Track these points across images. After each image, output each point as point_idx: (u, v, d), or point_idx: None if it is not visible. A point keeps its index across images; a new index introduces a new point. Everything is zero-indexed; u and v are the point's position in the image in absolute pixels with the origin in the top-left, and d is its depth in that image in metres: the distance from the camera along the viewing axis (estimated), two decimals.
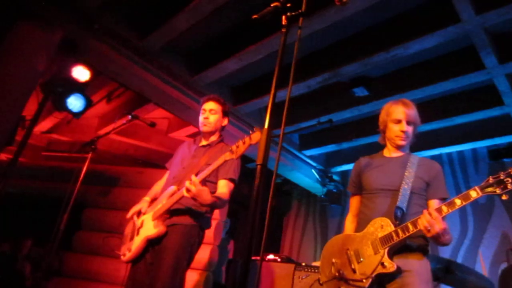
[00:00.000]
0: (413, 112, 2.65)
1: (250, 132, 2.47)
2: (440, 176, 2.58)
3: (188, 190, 2.64)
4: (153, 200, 3.21)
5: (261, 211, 1.55)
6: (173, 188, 2.94)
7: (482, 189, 2.11)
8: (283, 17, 1.81)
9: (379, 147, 2.88)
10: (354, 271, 2.37)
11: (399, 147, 2.70)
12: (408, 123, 2.63)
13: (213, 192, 2.93)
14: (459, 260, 6.02)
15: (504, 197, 2.05)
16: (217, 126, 3.28)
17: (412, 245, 2.37)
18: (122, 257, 3.03)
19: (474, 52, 4.33)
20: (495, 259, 5.88)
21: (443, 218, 2.18)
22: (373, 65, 4.74)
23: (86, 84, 4.63)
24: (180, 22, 4.31)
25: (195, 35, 4.79)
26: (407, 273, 2.27)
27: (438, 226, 2.14)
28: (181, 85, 5.33)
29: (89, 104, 4.72)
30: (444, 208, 2.17)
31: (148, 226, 2.94)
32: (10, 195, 5.12)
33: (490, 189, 2.09)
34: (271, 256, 4.95)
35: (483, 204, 6.24)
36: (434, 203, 2.48)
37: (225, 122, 3.36)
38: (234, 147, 2.56)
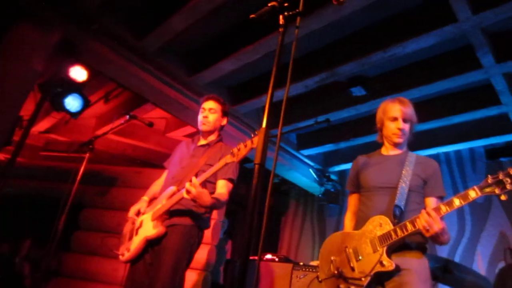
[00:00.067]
0: (409, 109, 2.67)
1: (252, 135, 2.47)
2: (437, 174, 2.59)
3: (188, 192, 2.65)
4: (152, 199, 3.21)
5: (259, 211, 1.55)
6: (172, 188, 2.94)
7: (481, 189, 2.11)
8: (281, 16, 1.82)
9: (377, 146, 2.89)
10: (353, 269, 2.37)
11: (396, 145, 2.71)
12: (405, 120, 2.65)
13: (212, 192, 2.94)
14: (457, 259, 6.03)
15: (503, 197, 2.05)
16: (216, 125, 3.28)
17: (411, 243, 2.38)
18: (120, 257, 3.03)
19: (471, 51, 4.34)
20: (492, 258, 5.89)
21: (442, 218, 2.19)
22: (371, 65, 4.75)
23: (83, 84, 4.63)
24: (178, 22, 4.31)
25: (193, 35, 4.79)
26: (405, 271, 2.27)
27: (437, 226, 2.14)
28: (179, 85, 5.33)
29: (87, 104, 4.72)
30: (443, 208, 2.18)
31: (147, 227, 2.93)
32: (8, 195, 5.12)
33: (489, 189, 2.09)
34: (269, 256, 4.95)
35: (481, 203, 6.25)
36: (431, 201, 2.50)
37: (224, 121, 3.36)
38: (235, 150, 2.56)
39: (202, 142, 3.29)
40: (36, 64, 4.12)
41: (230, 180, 3.04)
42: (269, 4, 1.81)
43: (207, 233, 5.12)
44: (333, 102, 5.84)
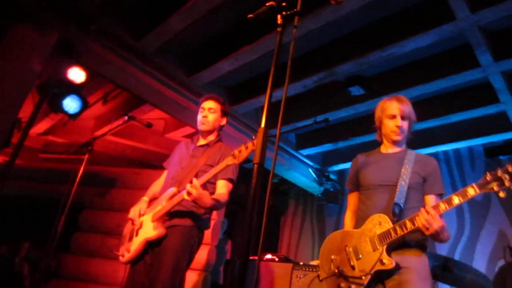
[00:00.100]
0: (407, 107, 2.67)
1: (253, 137, 2.46)
2: (436, 172, 2.59)
3: (189, 194, 2.65)
4: (152, 200, 3.20)
5: (258, 211, 1.55)
6: (173, 189, 2.94)
7: (479, 186, 2.11)
8: (279, 16, 1.82)
9: (376, 145, 2.90)
10: (353, 267, 2.38)
11: (395, 143, 2.72)
12: (403, 118, 2.65)
13: (212, 192, 2.94)
14: (457, 257, 6.03)
15: (501, 194, 2.05)
16: (215, 125, 3.28)
17: (410, 241, 2.38)
18: (120, 257, 3.02)
19: (469, 50, 4.34)
20: (492, 256, 5.90)
21: (441, 216, 2.19)
22: (369, 64, 4.75)
23: (82, 85, 4.62)
24: (177, 22, 4.31)
25: (191, 35, 4.79)
26: (405, 269, 2.28)
27: (436, 223, 2.15)
28: (177, 86, 5.33)
29: (85, 106, 4.71)
30: (442, 205, 2.18)
31: (147, 228, 2.93)
32: (7, 197, 5.11)
33: (487, 186, 2.09)
34: (268, 256, 4.95)
35: (479, 201, 6.25)
36: (430, 199, 2.50)
37: (224, 121, 3.36)
38: (236, 152, 2.56)
39: (202, 142, 3.28)
40: (34, 66, 4.11)
41: (230, 180, 3.04)
42: (267, 4, 1.81)
43: (207, 234, 5.10)
44: (332, 102, 5.85)
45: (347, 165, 7.51)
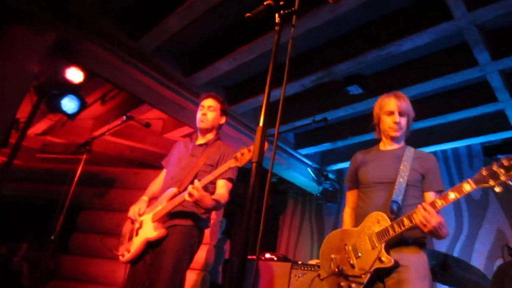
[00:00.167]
0: (405, 103, 2.68)
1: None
2: (435, 168, 2.60)
3: (190, 195, 2.65)
4: (151, 199, 3.20)
5: (256, 210, 1.55)
6: (173, 190, 2.93)
7: (475, 181, 2.11)
8: (276, 15, 1.81)
9: (374, 144, 2.90)
10: (352, 266, 2.38)
11: (393, 139, 2.72)
12: (401, 114, 2.66)
13: (212, 192, 2.94)
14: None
15: (497, 189, 2.05)
16: (214, 123, 3.28)
17: (409, 238, 2.38)
18: (120, 257, 3.03)
19: (467, 49, 4.34)
20: (490, 255, 5.91)
21: (438, 212, 2.19)
22: (367, 63, 4.75)
23: (80, 85, 4.61)
24: (174, 22, 4.29)
25: (189, 35, 4.78)
26: (403, 268, 2.28)
27: (434, 220, 2.15)
28: (175, 86, 5.32)
29: (83, 106, 4.70)
30: (438, 202, 2.19)
31: (147, 228, 2.93)
32: (6, 198, 5.11)
33: (483, 181, 2.09)
34: (267, 255, 4.96)
35: (478, 200, 6.27)
36: (430, 196, 2.50)
37: (223, 120, 3.36)
38: (238, 155, 2.56)
39: (200, 141, 3.28)
40: (32, 66, 4.11)
41: (229, 179, 3.05)
42: (264, 3, 1.80)
43: (206, 233, 5.12)
44: (330, 101, 5.84)
45: (345, 165, 7.51)
